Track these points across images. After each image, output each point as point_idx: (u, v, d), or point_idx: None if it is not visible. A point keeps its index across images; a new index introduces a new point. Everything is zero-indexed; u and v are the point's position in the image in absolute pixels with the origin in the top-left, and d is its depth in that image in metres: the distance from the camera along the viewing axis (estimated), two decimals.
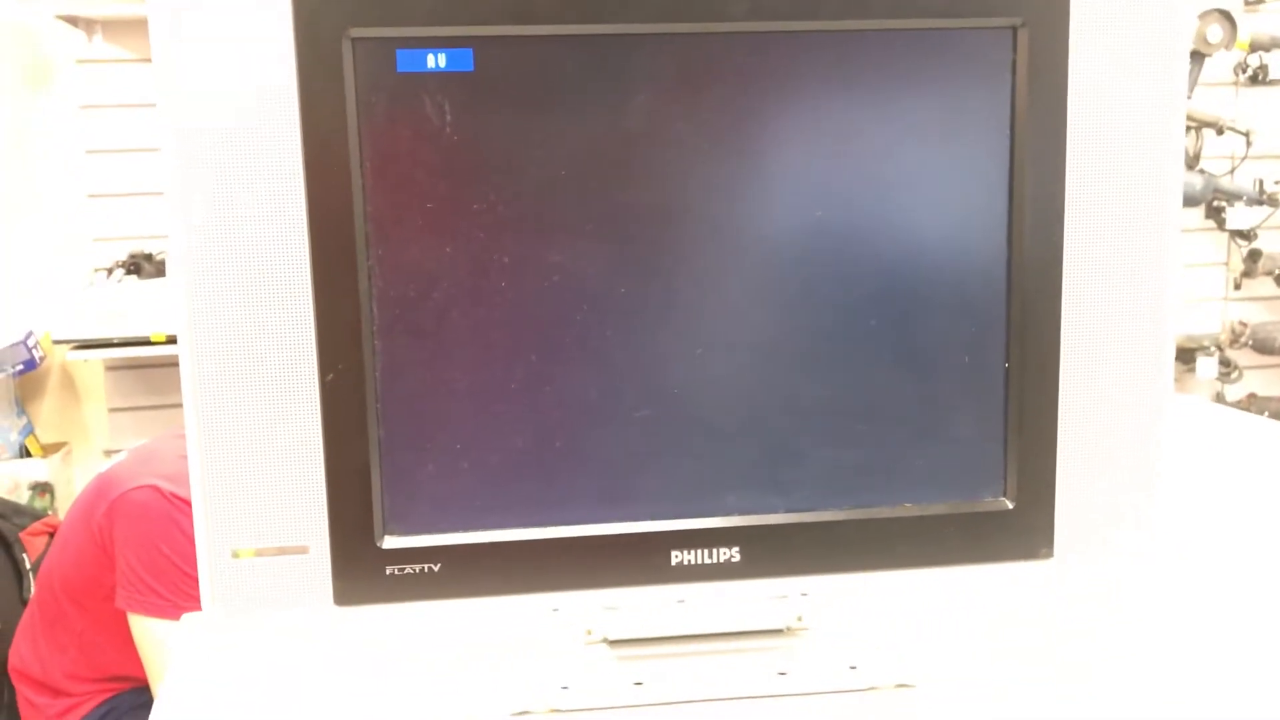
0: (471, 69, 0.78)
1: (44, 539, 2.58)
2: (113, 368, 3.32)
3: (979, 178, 0.83)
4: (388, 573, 0.81)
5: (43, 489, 3.33)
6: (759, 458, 0.84)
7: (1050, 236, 0.83)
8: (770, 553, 0.84)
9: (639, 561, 0.83)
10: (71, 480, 3.35)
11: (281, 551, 0.80)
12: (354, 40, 0.76)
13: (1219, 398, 3.75)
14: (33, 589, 2.12)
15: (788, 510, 0.84)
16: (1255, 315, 3.79)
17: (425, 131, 0.78)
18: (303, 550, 0.80)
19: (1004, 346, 0.84)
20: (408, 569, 0.81)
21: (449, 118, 0.78)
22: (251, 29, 0.76)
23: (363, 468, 0.80)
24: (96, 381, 3.39)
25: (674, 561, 0.83)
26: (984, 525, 0.85)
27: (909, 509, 0.85)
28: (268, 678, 0.88)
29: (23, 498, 3.29)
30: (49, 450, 3.30)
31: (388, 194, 0.78)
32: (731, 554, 0.83)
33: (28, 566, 2.71)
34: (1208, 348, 3.74)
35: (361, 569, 0.81)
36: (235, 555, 0.80)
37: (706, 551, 0.83)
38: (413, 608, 0.82)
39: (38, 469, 3.23)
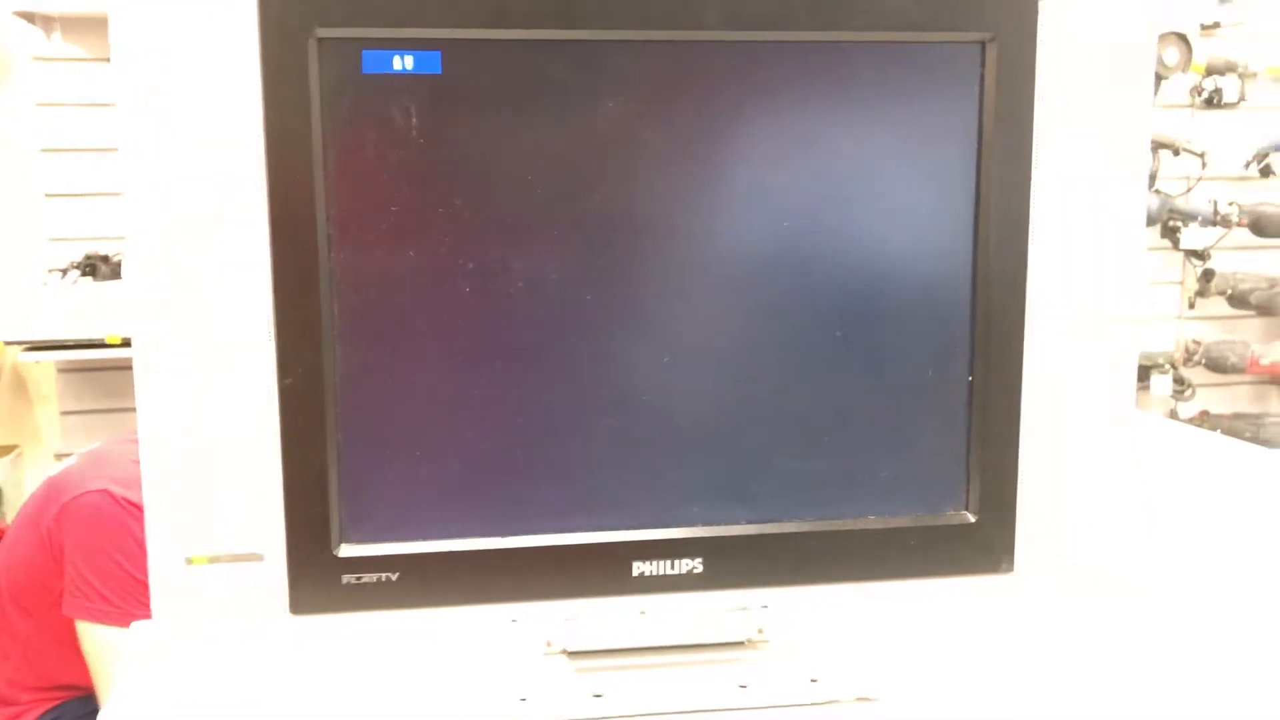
0: (439, 72, 0.77)
1: None
2: (66, 370, 3.27)
3: (946, 191, 0.83)
4: (344, 581, 0.80)
5: None
6: (723, 468, 0.83)
7: (1015, 251, 0.83)
8: (733, 564, 0.83)
9: (600, 572, 0.82)
10: (21, 483, 3.30)
11: (236, 559, 0.79)
12: (320, 40, 0.75)
13: (1173, 414, 3.80)
14: None
15: (751, 521, 0.83)
16: (1208, 334, 3.84)
17: (390, 134, 0.77)
18: (257, 558, 0.79)
19: (968, 360, 0.84)
20: (364, 578, 0.80)
21: (415, 121, 0.77)
22: (215, 27, 0.75)
23: (320, 474, 0.78)
24: (49, 384, 3.34)
25: (635, 572, 0.82)
26: (946, 538, 0.85)
27: (872, 521, 0.85)
28: (220, 688, 0.86)
29: None
30: None
31: (351, 197, 0.77)
32: (694, 565, 0.83)
33: None
34: (1162, 365, 3.78)
35: (317, 577, 0.79)
36: (188, 562, 0.79)
37: (668, 562, 0.83)
38: (370, 617, 0.80)
39: None
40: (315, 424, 0.78)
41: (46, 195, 3.20)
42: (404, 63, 0.76)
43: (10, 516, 2.89)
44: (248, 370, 0.77)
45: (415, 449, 0.80)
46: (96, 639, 1.72)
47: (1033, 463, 0.86)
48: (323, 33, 0.75)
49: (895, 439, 0.85)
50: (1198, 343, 3.81)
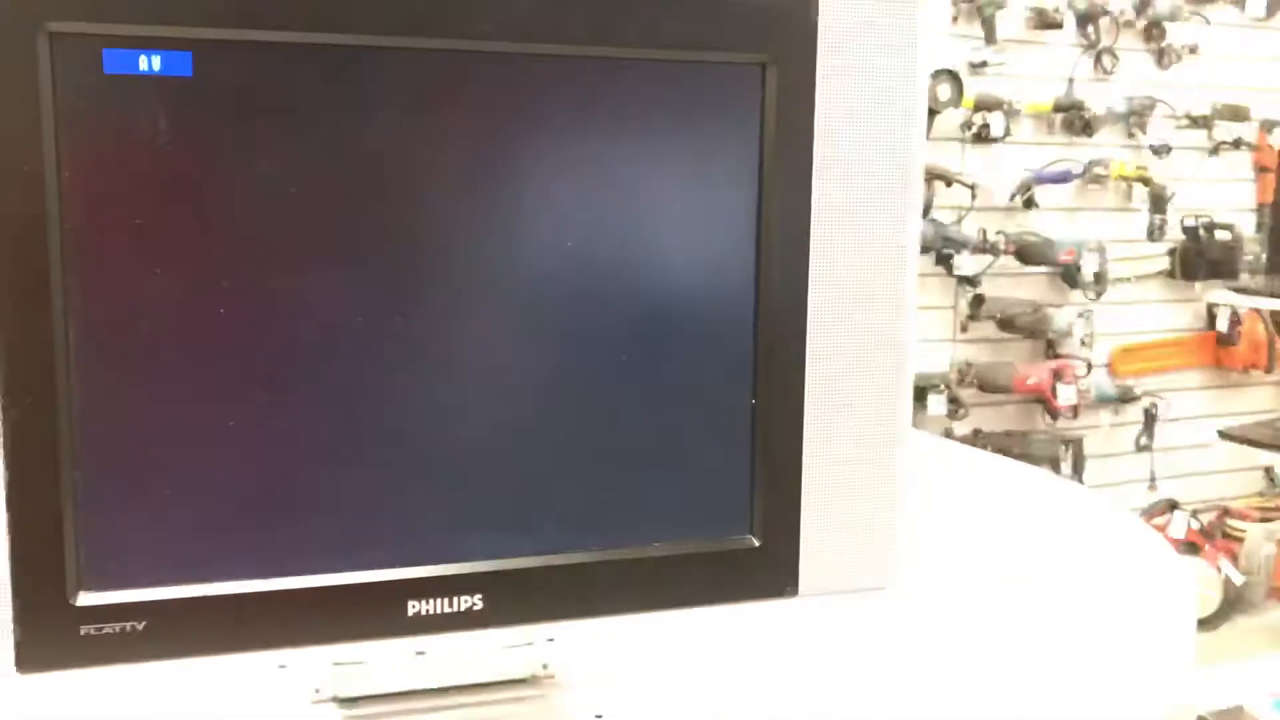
0: (190, 74, 0.71)
1: None
2: None
3: (728, 213, 0.82)
4: (82, 633, 0.72)
5: None
6: (503, 498, 0.80)
7: (796, 276, 0.83)
8: (515, 599, 0.80)
9: (373, 613, 0.77)
10: None
11: None
12: (52, 35, 0.68)
13: (948, 433, 3.98)
14: None
15: (534, 553, 0.80)
16: (979, 356, 4.05)
17: (135, 140, 0.70)
18: None
19: (751, 384, 0.84)
20: (106, 628, 0.72)
21: (163, 126, 0.71)
22: None
23: (53, 515, 0.70)
24: None
25: (411, 611, 0.78)
26: (731, 563, 0.84)
27: (658, 549, 0.83)
28: None
29: None
30: None
31: (90, 208, 0.70)
32: (474, 601, 0.79)
33: None
34: (938, 386, 3.96)
35: (50, 629, 0.71)
36: None
37: (446, 600, 0.78)
38: (113, 672, 0.73)
39: None
40: (47, 459, 0.70)
41: None
42: (150, 63, 0.70)
43: None
44: None
45: (165, 485, 0.73)
46: None
47: (815, 485, 0.86)
48: (56, 27, 0.68)
49: (679, 464, 0.83)
50: (970, 364, 4.01)
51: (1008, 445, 3.95)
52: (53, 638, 0.71)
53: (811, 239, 0.84)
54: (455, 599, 0.78)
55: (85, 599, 0.72)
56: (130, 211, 0.71)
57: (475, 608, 0.79)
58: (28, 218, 0.68)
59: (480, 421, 0.79)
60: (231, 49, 0.71)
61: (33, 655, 0.71)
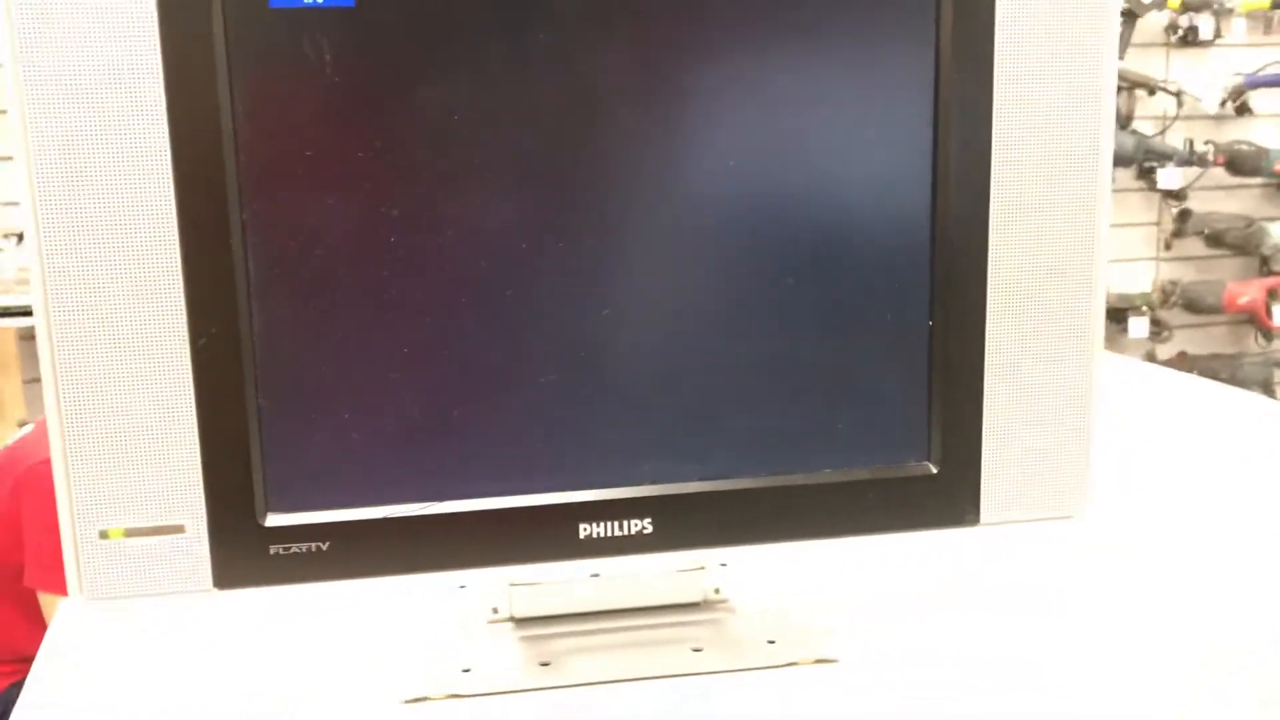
0: (353, 4, 0.71)
1: None
2: (26, 337, 3.20)
3: (902, 132, 0.78)
4: (271, 552, 0.75)
5: None
6: (672, 424, 0.79)
7: (976, 193, 0.79)
8: (684, 523, 0.79)
9: (545, 535, 0.78)
10: None
11: (155, 531, 0.74)
12: None
13: (1150, 356, 3.79)
14: None
15: (702, 479, 0.79)
16: (1185, 274, 3.82)
17: (303, 73, 0.71)
18: (178, 529, 0.74)
19: (927, 304, 0.80)
20: (293, 548, 0.75)
21: (329, 58, 0.71)
22: None
23: (241, 440, 0.73)
24: (9, 350, 3.27)
25: (582, 534, 0.78)
26: (907, 491, 0.81)
27: (829, 475, 0.80)
28: (143, 666, 0.82)
29: None
30: None
31: (263, 142, 0.72)
32: (643, 525, 0.78)
33: None
34: (1139, 307, 3.76)
35: (243, 549, 0.75)
36: (104, 536, 0.74)
37: (616, 523, 0.78)
38: (299, 590, 0.76)
39: None
40: (233, 387, 0.73)
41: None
42: None
43: None
44: (157, 331, 0.72)
45: (343, 410, 0.75)
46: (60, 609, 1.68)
47: (997, 410, 0.81)
48: None
49: (852, 389, 0.80)
50: (1174, 284, 3.79)
51: (1215, 369, 3.73)
52: (244, 557, 0.75)
53: (993, 154, 0.79)
54: (625, 522, 0.78)
55: (273, 520, 0.75)
56: (300, 144, 0.72)
57: (645, 531, 0.78)
58: (206, 154, 0.70)
59: (651, 346, 0.78)
60: None
61: (227, 573, 0.75)
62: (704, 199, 0.77)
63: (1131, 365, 1.70)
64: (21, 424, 3.19)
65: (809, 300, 0.79)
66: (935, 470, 0.81)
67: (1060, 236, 0.81)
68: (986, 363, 0.81)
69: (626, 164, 0.76)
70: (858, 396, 0.80)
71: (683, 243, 0.78)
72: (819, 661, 0.80)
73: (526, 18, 0.73)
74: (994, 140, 0.79)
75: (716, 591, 0.87)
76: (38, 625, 1.73)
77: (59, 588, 1.68)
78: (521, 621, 0.85)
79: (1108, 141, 0.81)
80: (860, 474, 0.81)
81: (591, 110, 0.75)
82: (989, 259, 0.80)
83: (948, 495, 0.82)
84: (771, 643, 0.82)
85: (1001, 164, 0.79)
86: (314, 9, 0.71)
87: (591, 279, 0.77)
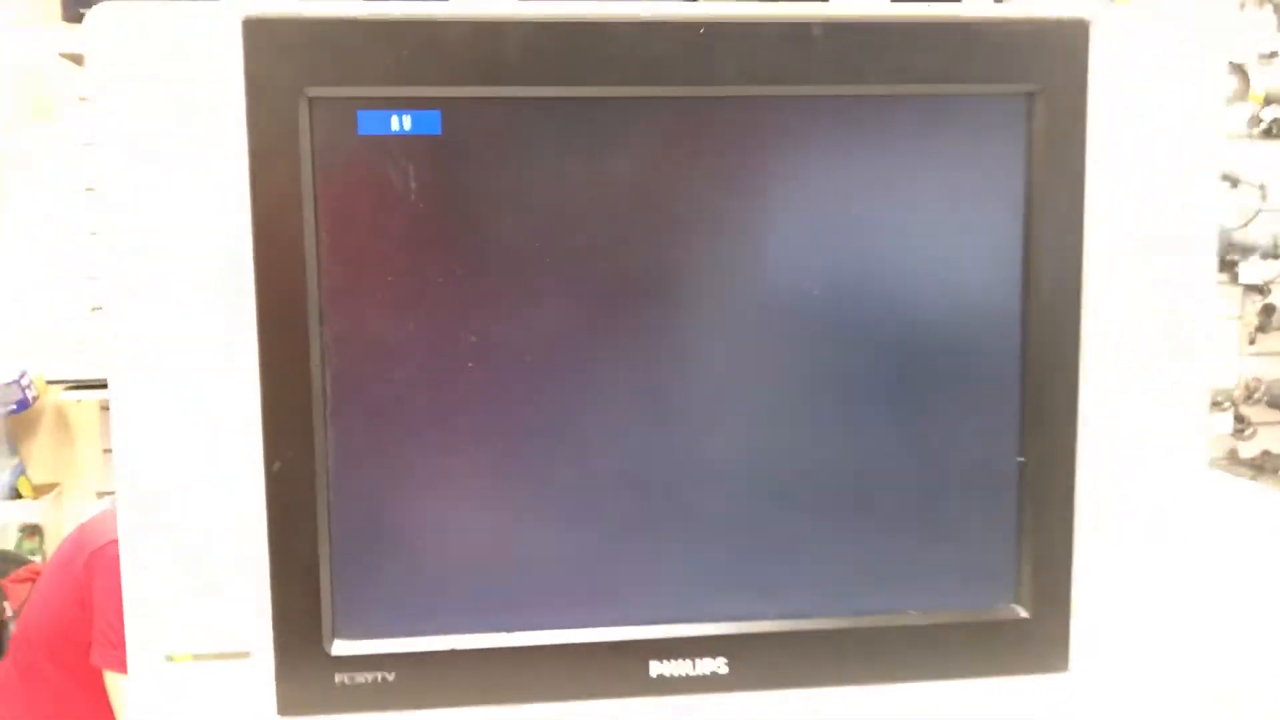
0: (439, 132, 0.71)
1: (27, 586, 2.50)
2: (108, 408, 3.26)
3: (990, 255, 0.76)
4: (337, 681, 0.73)
5: (32, 531, 3.26)
6: (749, 558, 0.76)
7: (1067, 323, 0.76)
8: (761, 664, 0.76)
9: (615, 671, 0.75)
10: (62, 522, 3.28)
11: (221, 656, 0.73)
12: (311, 100, 0.70)
13: (1233, 454, 3.67)
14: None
15: (779, 617, 0.76)
16: (1270, 370, 3.71)
17: (388, 198, 0.72)
18: (244, 655, 0.73)
19: (1017, 439, 0.77)
20: (359, 677, 0.74)
21: (414, 184, 0.71)
22: (199, 85, 0.70)
23: (311, 565, 0.72)
24: (91, 422, 3.33)
25: (654, 673, 0.75)
26: (995, 635, 0.78)
27: (913, 617, 0.77)
28: None
29: (11, 540, 3.22)
30: (40, 491, 3.23)
31: (345, 265, 0.72)
32: (717, 665, 0.76)
33: (9, 614, 2.63)
34: (1222, 403, 3.66)
35: (308, 677, 0.73)
36: (169, 659, 0.73)
37: (689, 662, 0.76)
38: (364, 719, 0.74)
39: (28, 510, 3.16)
40: (306, 512, 0.72)
41: (91, 234, 3.19)
42: (402, 123, 0.71)
43: (50, 554, 2.87)
44: (233, 453, 0.72)
45: (413, 538, 0.74)
46: (124, 690, 1.68)
47: (1090, 551, 0.78)
48: (314, 92, 0.70)
49: (939, 526, 0.77)
50: (1259, 380, 3.68)
51: None
52: (310, 685, 0.73)
53: (1084, 277, 0.76)
54: (698, 660, 0.76)
55: (340, 648, 0.73)
56: (382, 268, 0.72)
57: (719, 672, 0.76)
58: (290, 278, 0.70)
59: (726, 478, 0.76)
60: (478, 106, 0.71)
61: (292, 700, 0.73)
62: (787, 327, 0.75)
63: (1239, 486, 1.64)
64: (100, 495, 3.24)
65: (895, 433, 0.76)
66: (1025, 614, 0.77)
67: (1158, 366, 0.78)
68: (1077, 501, 0.78)
69: (712, 293, 0.75)
70: (944, 535, 0.77)
71: (765, 374, 0.76)
72: None
73: (607, 146, 0.73)
74: (1085, 263, 0.76)
75: None
76: (103, 704, 1.73)
77: (124, 667, 1.69)
78: None
79: (1210, 262, 0.78)
80: (946, 616, 0.77)
81: (677, 238, 0.74)
82: (1080, 392, 0.77)
83: (1037, 641, 0.78)
84: None
85: (1093, 290, 0.76)
86: (400, 137, 0.71)
87: (671, 410, 0.75)
